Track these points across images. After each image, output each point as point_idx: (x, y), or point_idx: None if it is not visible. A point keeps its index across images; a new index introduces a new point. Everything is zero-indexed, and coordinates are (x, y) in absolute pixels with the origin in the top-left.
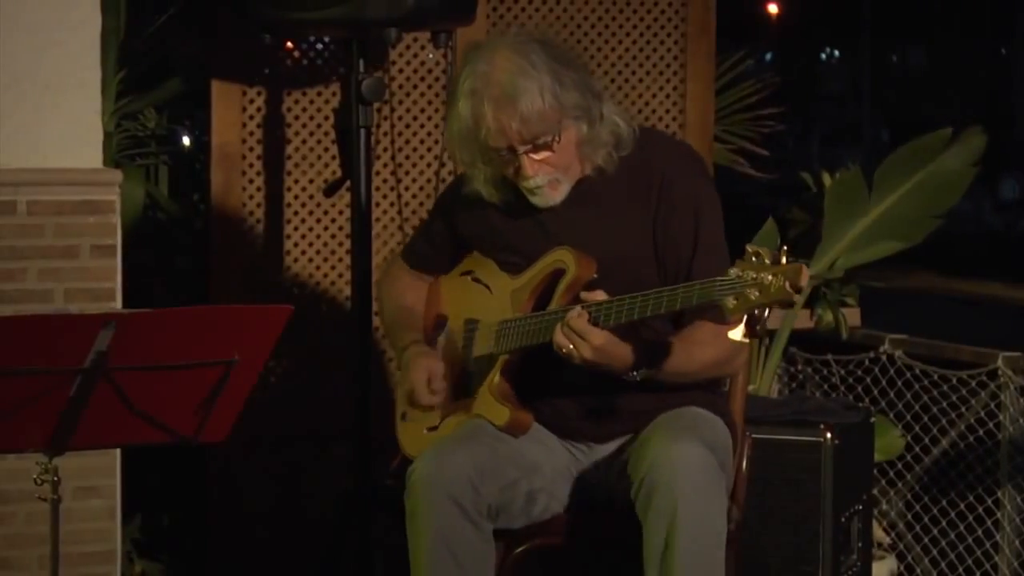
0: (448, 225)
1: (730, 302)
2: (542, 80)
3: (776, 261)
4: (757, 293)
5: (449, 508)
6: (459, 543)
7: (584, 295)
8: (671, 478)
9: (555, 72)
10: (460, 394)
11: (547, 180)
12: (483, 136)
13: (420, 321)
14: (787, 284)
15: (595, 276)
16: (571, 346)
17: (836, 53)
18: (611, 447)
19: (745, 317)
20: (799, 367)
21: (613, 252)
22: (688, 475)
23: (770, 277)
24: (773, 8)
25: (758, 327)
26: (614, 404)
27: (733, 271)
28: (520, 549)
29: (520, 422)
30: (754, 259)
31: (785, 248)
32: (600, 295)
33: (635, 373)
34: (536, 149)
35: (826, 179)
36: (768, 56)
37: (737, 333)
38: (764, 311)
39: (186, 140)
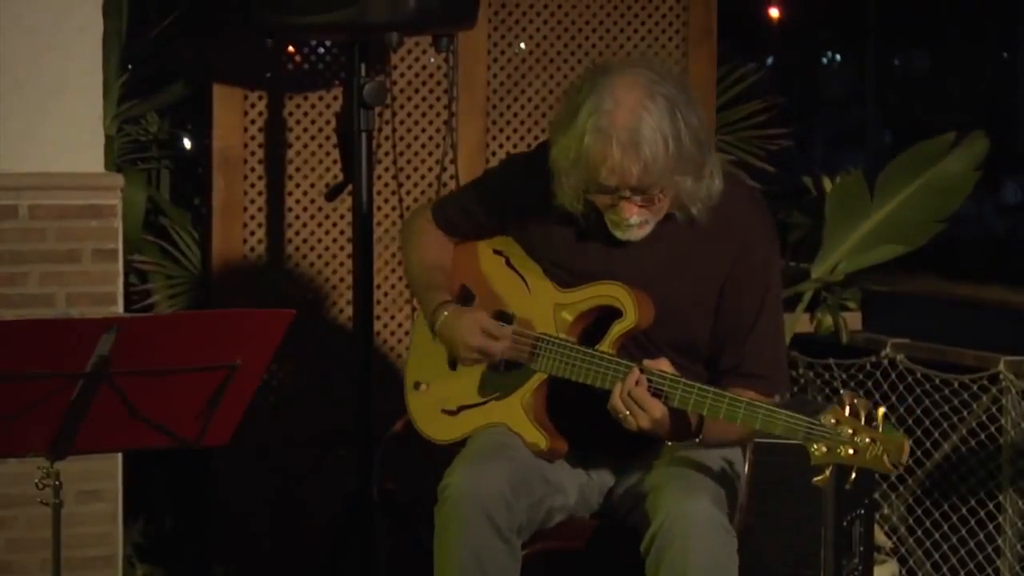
0: (496, 213)
1: (818, 450)
2: (667, 130)
3: (871, 421)
4: (851, 452)
5: (483, 525)
6: (491, 560)
7: (648, 363)
8: (683, 542)
9: (682, 120)
10: (484, 390)
11: (639, 221)
12: (602, 174)
13: (447, 281)
14: (886, 457)
15: (651, 324)
16: (627, 413)
17: (838, 57)
18: (631, 478)
19: (828, 470)
20: (801, 371)
21: (670, 297)
22: (701, 541)
23: (867, 440)
24: (775, 12)
25: (847, 485)
26: (637, 442)
27: (828, 418)
28: (525, 552)
29: (556, 450)
30: (848, 410)
31: (884, 411)
32: (665, 364)
33: (684, 443)
34: (643, 195)
35: (827, 183)
36: (770, 60)
37: (820, 480)
38: (851, 473)
39: (188, 143)
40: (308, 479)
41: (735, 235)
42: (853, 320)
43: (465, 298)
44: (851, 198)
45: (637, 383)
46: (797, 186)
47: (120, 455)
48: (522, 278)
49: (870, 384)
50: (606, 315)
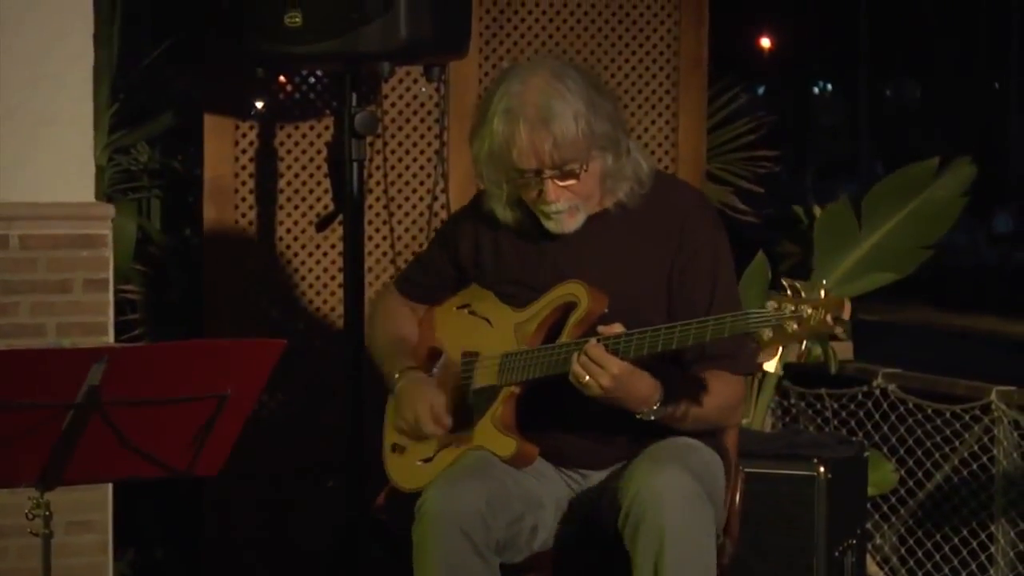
0: (449, 255)
1: (766, 334)
2: (577, 106)
3: (812, 293)
4: (795, 326)
5: (460, 542)
6: None
7: (602, 329)
8: (656, 509)
9: (590, 100)
10: (457, 426)
11: (567, 207)
12: (514, 156)
13: (413, 350)
14: (828, 316)
15: (606, 311)
16: (587, 377)
17: (829, 86)
18: (604, 474)
19: (779, 349)
20: (792, 401)
21: (623, 291)
22: (674, 505)
23: (810, 310)
24: (766, 42)
25: (802, 360)
26: (609, 430)
27: (770, 303)
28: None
29: (526, 454)
30: (790, 292)
31: (824, 282)
32: (618, 328)
33: (652, 409)
34: (563, 175)
35: (817, 212)
36: (761, 89)
37: (771, 365)
38: (802, 343)
39: (178, 174)
40: (300, 509)
41: (672, 219)
42: (844, 350)
43: (434, 357)
44: (839, 226)
45: (594, 346)
46: (788, 216)
47: (110, 485)
48: (484, 318)
49: (861, 414)
50: (565, 315)
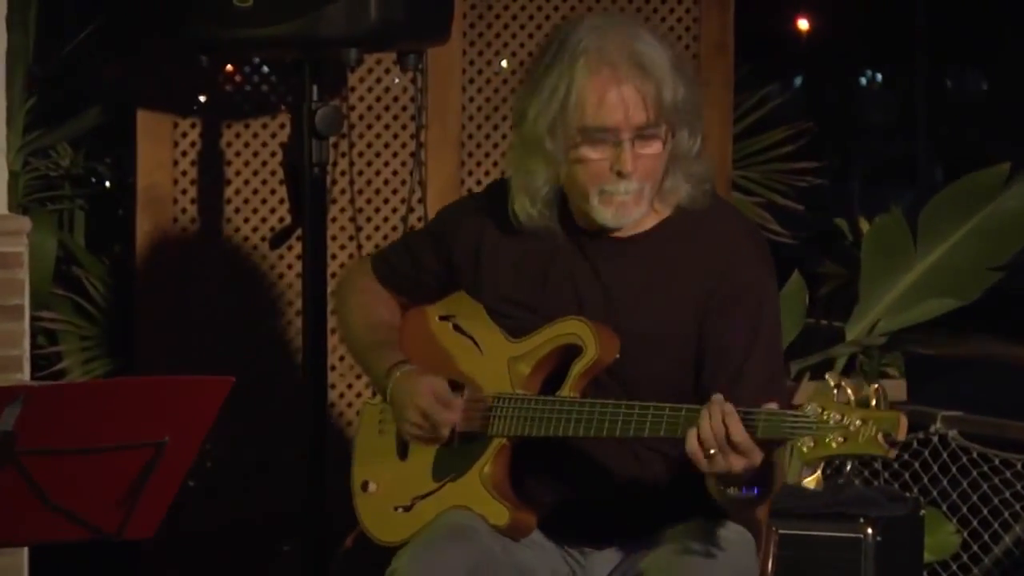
0: (442, 249)
1: (805, 446)
2: (672, 60)
3: (864, 401)
4: (841, 440)
5: None
6: None
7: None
8: None
9: (678, 61)
10: (438, 473)
11: (637, 187)
12: (592, 108)
13: (398, 341)
14: (880, 436)
15: (617, 357)
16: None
17: (879, 77)
18: (608, 555)
19: (821, 465)
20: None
21: (647, 328)
22: None
23: (858, 423)
24: (803, 24)
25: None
26: (617, 501)
27: (811, 408)
28: None
29: (521, 526)
30: (836, 392)
31: (877, 387)
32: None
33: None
34: (646, 139)
35: (864, 226)
36: (798, 80)
37: (812, 480)
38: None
39: (107, 181)
40: (251, 575)
41: (717, 253)
42: (896, 390)
43: None
44: (891, 243)
45: (734, 416)
46: (830, 230)
47: (26, 550)
48: (472, 339)
49: (917, 465)
50: (567, 357)
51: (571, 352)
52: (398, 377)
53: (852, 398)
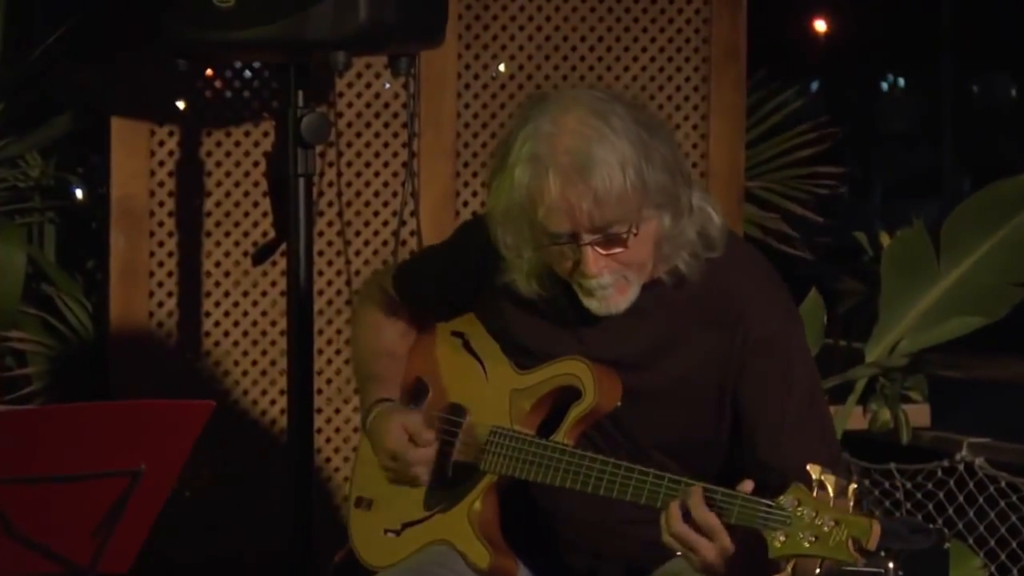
0: (457, 279)
1: (777, 540)
2: (624, 152)
3: (842, 494)
4: (813, 539)
5: None
6: None
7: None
8: None
9: (641, 142)
10: (429, 502)
11: (613, 280)
12: (541, 215)
13: (400, 375)
14: (849, 543)
15: (619, 404)
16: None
17: (901, 82)
18: None
19: (791, 564)
20: (855, 478)
21: (658, 389)
22: None
23: (832, 523)
24: (821, 25)
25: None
26: (609, 544)
27: (786, 499)
28: None
29: (502, 571)
30: (816, 489)
31: (855, 486)
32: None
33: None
34: (606, 241)
35: (885, 240)
36: (815, 85)
37: None
38: (816, 565)
39: (79, 193)
40: None
41: (732, 299)
42: (919, 415)
43: (418, 392)
44: (912, 258)
45: (704, 505)
46: (849, 244)
47: None
48: (480, 362)
49: (942, 495)
50: (568, 397)
51: (572, 393)
52: (374, 416)
53: (831, 494)
